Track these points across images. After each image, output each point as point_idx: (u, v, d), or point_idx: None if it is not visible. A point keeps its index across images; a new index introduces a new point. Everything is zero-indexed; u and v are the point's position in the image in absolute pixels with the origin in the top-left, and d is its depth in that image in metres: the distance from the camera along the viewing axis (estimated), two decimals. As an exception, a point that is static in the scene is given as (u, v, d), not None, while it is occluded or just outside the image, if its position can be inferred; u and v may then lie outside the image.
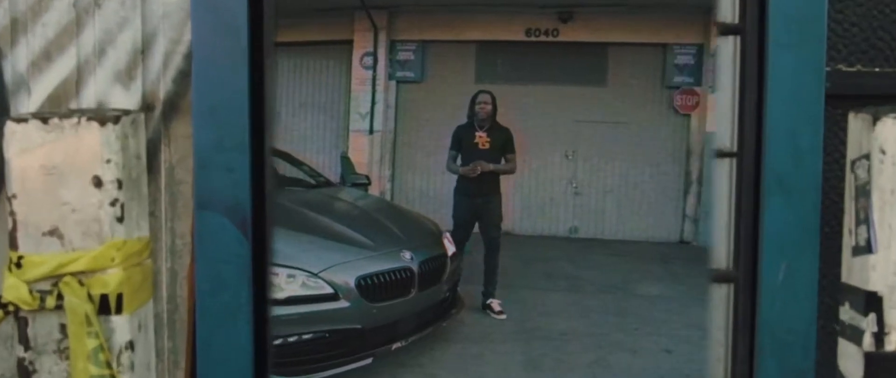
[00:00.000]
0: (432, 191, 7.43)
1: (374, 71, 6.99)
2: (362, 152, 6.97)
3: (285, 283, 1.97)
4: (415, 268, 2.32)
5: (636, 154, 6.91)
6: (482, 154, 3.24)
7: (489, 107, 3.37)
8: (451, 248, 2.82)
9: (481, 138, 3.31)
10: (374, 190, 5.51)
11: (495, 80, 7.17)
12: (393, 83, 7.27)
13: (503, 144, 3.40)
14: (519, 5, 6.72)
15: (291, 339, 1.96)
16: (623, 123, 6.91)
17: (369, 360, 2.11)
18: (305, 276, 2.01)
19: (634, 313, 3.46)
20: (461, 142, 3.43)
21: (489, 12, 6.90)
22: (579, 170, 7.06)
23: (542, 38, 6.96)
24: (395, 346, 2.24)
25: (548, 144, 7.10)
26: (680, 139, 6.84)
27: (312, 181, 3.75)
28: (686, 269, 5.02)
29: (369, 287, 2.14)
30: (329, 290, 2.03)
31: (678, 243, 6.74)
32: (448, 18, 7.04)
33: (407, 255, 2.34)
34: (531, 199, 7.19)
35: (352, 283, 2.08)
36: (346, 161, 4.19)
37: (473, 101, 3.42)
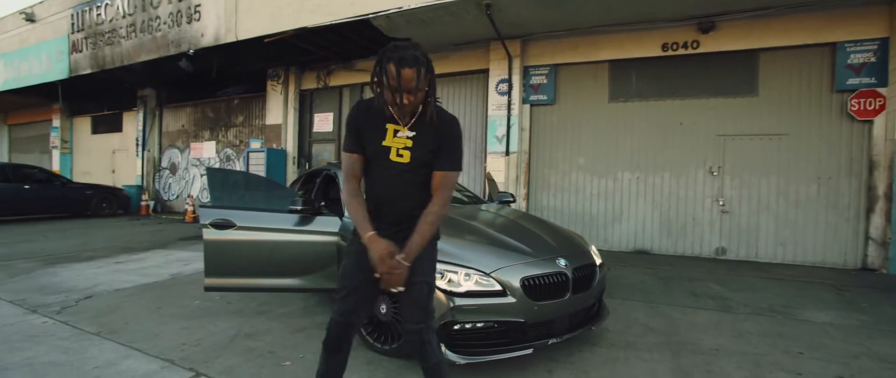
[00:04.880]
0: (566, 208, 7.59)
1: (509, 96, 7.47)
2: (500, 173, 7.44)
3: (463, 280, 2.43)
4: (569, 273, 2.63)
5: (796, 168, 6.24)
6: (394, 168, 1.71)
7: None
8: (598, 259, 3.04)
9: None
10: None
11: (630, 97, 7.15)
12: (527, 107, 7.67)
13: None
14: (654, 21, 6.63)
15: (468, 326, 2.41)
16: (779, 135, 6.32)
17: (530, 351, 2.44)
18: (479, 275, 2.45)
19: (797, 337, 3.25)
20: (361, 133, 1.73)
21: (621, 31, 6.94)
22: (726, 186, 6.60)
23: (681, 51, 6.76)
24: (551, 341, 2.55)
25: (689, 161, 6.80)
26: (857, 149, 6.00)
27: (465, 199, 4.28)
28: (869, 298, 4.42)
29: (531, 287, 2.48)
30: (498, 287, 2.44)
31: (859, 270, 5.86)
32: (579, 41, 7.25)
33: (562, 262, 2.66)
34: (671, 217, 6.91)
35: (517, 283, 2.45)
36: (491, 181, 4.64)
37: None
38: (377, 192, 1.73)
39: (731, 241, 6.59)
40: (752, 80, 6.50)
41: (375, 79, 1.63)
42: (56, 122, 15.32)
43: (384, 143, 1.67)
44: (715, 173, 6.66)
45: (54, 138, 15.44)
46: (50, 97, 13.41)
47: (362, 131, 1.69)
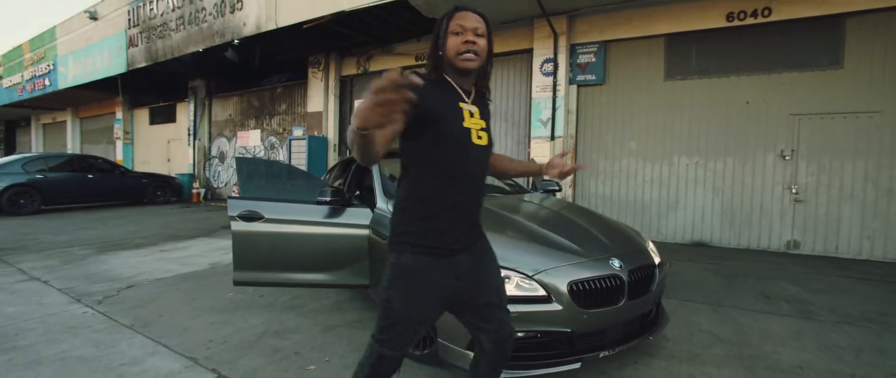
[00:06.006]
0: (615, 197, 7.09)
1: (555, 77, 6.99)
2: (544, 159, 7.03)
3: (501, 283, 2.14)
4: (625, 276, 2.29)
5: (891, 150, 5.46)
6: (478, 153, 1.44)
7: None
8: (657, 257, 2.66)
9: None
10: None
11: (688, 74, 6.51)
12: (573, 87, 7.17)
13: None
14: (718, -13, 5.95)
15: (506, 335, 2.12)
16: (868, 113, 5.52)
17: (578, 365, 2.14)
18: (520, 277, 2.16)
19: (904, 354, 2.75)
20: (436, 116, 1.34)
21: (680, 1, 6.29)
22: (801, 172, 5.89)
23: (749, 20, 6.04)
24: (602, 354, 2.23)
25: (756, 144, 6.12)
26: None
27: (506, 188, 3.97)
28: None
29: (580, 292, 2.16)
30: (542, 292, 2.14)
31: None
32: (632, 14, 6.65)
33: (616, 262, 2.31)
34: (734, 206, 6.27)
35: (564, 287, 2.14)
36: (535, 168, 4.27)
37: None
38: (460, 186, 1.39)
39: (806, 233, 5.89)
40: (837, 51, 5.71)
41: (434, 43, 1.42)
42: (119, 115, 16.20)
43: (465, 125, 1.39)
44: (787, 157, 5.96)
45: (117, 129, 16.36)
46: (113, 90, 14.16)
47: (433, 107, 1.29)
